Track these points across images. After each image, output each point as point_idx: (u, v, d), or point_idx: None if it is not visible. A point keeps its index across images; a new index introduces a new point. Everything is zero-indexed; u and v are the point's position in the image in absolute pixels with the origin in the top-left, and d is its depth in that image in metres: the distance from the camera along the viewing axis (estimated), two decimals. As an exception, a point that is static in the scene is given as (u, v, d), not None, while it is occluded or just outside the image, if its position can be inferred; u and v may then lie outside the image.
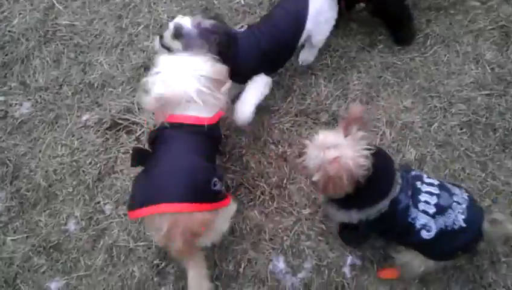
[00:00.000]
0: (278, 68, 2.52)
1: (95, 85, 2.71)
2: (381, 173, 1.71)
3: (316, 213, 2.33)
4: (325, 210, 1.83)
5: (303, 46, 2.58)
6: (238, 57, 2.16)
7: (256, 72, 2.30)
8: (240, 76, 2.23)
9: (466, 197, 1.80)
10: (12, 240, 2.37)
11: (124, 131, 2.58)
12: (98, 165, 2.51)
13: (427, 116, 2.55)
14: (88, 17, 2.92)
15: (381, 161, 1.71)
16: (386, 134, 2.51)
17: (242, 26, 2.35)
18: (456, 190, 1.83)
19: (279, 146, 2.51)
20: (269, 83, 2.36)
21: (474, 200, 1.84)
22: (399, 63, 2.69)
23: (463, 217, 1.75)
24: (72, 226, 2.39)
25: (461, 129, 2.50)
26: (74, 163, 2.52)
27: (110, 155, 2.53)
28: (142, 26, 2.88)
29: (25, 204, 2.45)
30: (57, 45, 2.85)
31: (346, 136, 1.68)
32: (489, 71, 2.64)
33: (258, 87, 2.32)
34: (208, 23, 2.04)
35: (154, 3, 2.94)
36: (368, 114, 2.55)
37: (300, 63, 2.66)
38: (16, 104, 2.71)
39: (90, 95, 2.69)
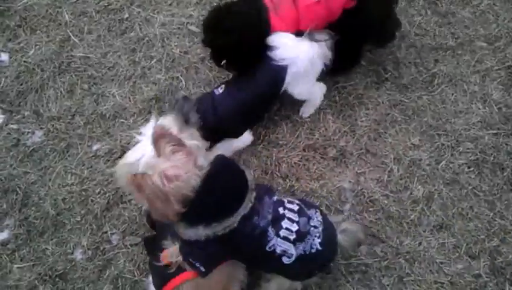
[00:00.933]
0: (260, 120, 2.65)
1: (107, 116, 2.80)
2: (221, 187, 1.69)
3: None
4: (176, 230, 1.79)
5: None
6: (218, 116, 2.32)
7: (237, 127, 2.47)
8: (224, 132, 2.43)
9: (320, 220, 1.86)
10: (18, 267, 2.40)
11: (133, 162, 2.64)
12: (107, 195, 2.56)
13: (434, 154, 2.59)
14: (103, 50, 3.03)
15: (222, 177, 1.71)
16: (394, 171, 2.56)
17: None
18: (312, 213, 1.87)
19: (287, 180, 2.56)
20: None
21: (327, 221, 1.91)
22: (406, 100, 2.76)
23: (319, 240, 1.81)
24: (78, 255, 2.42)
25: (469, 168, 2.55)
26: (83, 192, 2.58)
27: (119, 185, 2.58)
28: (155, 60, 2.98)
29: (33, 232, 2.49)
30: (71, 76, 2.95)
31: (159, 155, 1.69)
32: (497, 111, 2.71)
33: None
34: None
35: (167, 39, 3.05)
36: (376, 149, 2.61)
37: (300, 114, 2.75)
38: (28, 132, 2.78)
39: (101, 126, 2.77)
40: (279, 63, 2.33)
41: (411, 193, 2.50)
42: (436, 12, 3.05)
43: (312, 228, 1.82)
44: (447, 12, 3.06)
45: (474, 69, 2.85)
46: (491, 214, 2.43)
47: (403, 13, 3.00)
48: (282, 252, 1.78)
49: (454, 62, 2.88)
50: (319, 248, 1.81)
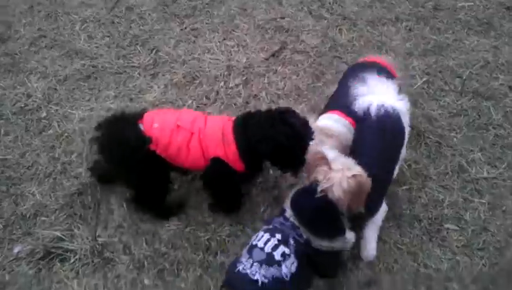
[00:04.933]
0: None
1: (27, 216, 2.85)
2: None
3: None
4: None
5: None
6: None
7: None
8: None
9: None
10: None
11: (57, 259, 2.68)
12: (31, 299, 2.56)
13: (356, 214, 2.84)
14: (20, 150, 3.14)
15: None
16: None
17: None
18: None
19: (217, 257, 2.68)
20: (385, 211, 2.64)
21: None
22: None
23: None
24: None
25: (388, 223, 2.79)
26: (4, 298, 2.56)
27: (44, 286, 2.59)
28: (75, 154, 3.12)
29: None
30: (-12, 180, 3.02)
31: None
32: (407, 167, 3.03)
33: (377, 222, 2.61)
34: None
35: (87, 132, 3.21)
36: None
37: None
38: None
39: (22, 227, 2.81)
40: None
41: (338, 255, 2.68)
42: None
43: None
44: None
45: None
46: (415, 264, 2.65)
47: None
48: None
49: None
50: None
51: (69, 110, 3.37)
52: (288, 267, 2.05)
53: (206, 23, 4.02)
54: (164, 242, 2.74)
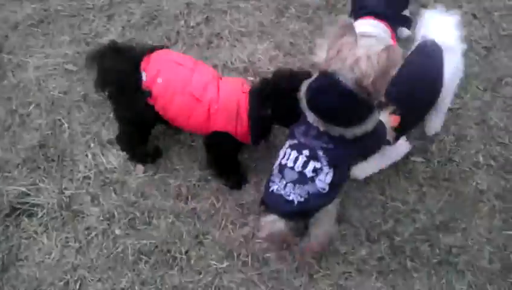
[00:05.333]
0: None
1: (-11, 172, 2.76)
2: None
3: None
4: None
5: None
6: None
7: None
8: None
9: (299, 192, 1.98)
10: None
11: (24, 215, 2.62)
12: (0, 256, 2.51)
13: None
14: (-25, 107, 2.99)
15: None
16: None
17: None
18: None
19: (188, 203, 2.67)
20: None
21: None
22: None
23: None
24: (-23, 326, 2.35)
25: (357, 159, 2.81)
26: (-27, 259, 2.51)
27: (12, 243, 2.55)
28: (33, 105, 2.98)
29: None
30: None
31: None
32: (374, 102, 3.01)
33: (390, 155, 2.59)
34: None
35: (44, 81, 3.07)
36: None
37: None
38: None
39: (-16, 184, 2.72)
40: None
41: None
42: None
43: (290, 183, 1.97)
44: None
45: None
46: (383, 198, 2.69)
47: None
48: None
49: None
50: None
51: (22, 59, 3.19)
52: (323, 180, 1.97)
53: (162, -42, 3.78)
54: (133, 191, 2.70)
